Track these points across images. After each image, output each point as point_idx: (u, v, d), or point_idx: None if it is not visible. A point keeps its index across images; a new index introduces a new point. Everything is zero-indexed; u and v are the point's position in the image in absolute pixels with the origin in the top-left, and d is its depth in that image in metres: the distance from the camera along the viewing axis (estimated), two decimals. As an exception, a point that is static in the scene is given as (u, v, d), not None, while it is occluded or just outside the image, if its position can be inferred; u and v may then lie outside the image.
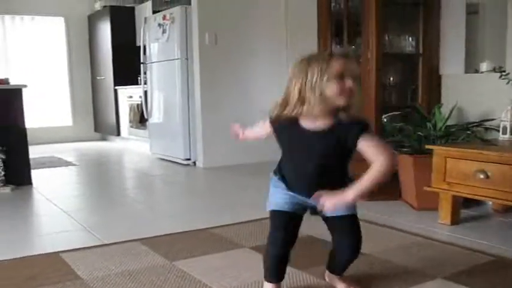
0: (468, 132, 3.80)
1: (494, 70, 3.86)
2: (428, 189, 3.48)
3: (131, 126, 8.17)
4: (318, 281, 2.43)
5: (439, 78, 4.32)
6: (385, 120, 4.23)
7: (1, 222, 3.80)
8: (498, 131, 3.67)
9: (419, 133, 3.82)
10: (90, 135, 9.74)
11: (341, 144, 1.99)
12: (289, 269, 2.56)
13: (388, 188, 3.93)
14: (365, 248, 2.79)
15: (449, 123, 3.85)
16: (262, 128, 2.25)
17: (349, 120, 1.96)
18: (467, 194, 3.28)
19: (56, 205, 4.22)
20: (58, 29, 9.51)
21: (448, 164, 3.35)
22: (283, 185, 2.13)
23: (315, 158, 2.03)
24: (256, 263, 2.68)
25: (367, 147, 1.95)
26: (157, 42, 6.79)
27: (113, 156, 7.71)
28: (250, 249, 2.94)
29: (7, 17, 9.05)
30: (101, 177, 5.94)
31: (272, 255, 2.17)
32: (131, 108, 8.08)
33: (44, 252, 2.95)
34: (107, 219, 3.89)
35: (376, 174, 1.92)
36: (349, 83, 1.90)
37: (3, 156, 4.81)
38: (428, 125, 3.85)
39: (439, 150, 3.42)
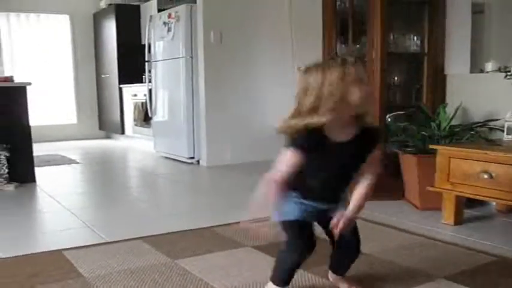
0: (472, 132, 3.78)
1: (499, 70, 3.84)
2: (431, 189, 3.47)
3: (136, 125, 8.18)
4: (322, 281, 2.42)
5: (444, 77, 4.30)
6: (389, 119, 4.22)
7: (5, 219, 3.81)
8: (503, 131, 3.65)
9: (423, 133, 3.81)
10: (95, 133, 9.75)
11: (362, 153, 2.00)
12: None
13: (391, 188, 3.93)
14: (367, 248, 2.79)
15: (453, 123, 3.83)
16: (293, 162, 2.00)
17: (369, 128, 1.97)
18: (471, 194, 3.27)
19: (59, 203, 4.23)
20: (63, 27, 9.51)
21: (452, 164, 3.34)
22: (294, 194, 2.10)
23: (342, 167, 2.03)
24: (258, 263, 2.68)
25: (373, 156, 1.97)
26: (162, 40, 6.79)
27: (116, 155, 7.71)
28: (253, 248, 2.93)
29: (12, 15, 9.06)
30: (104, 175, 5.94)
31: (293, 263, 2.16)
32: (136, 106, 8.09)
33: (46, 250, 2.95)
34: (110, 217, 3.89)
35: (370, 189, 2.00)
36: (367, 88, 1.90)
37: (7, 154, 4.81)
38: (433, 124, 3.84)
39: (443, 150, 3.41)
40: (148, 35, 7.13)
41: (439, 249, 2.90)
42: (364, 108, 1.92)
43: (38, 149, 6.21)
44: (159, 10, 7.38)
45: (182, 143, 6.40)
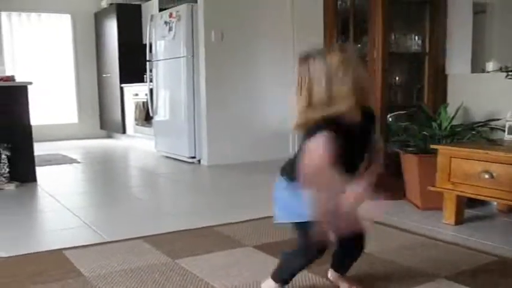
0: (473, 132, 3.78)
1: (500, 70, 3.83)
2: (432, 189, 3.46)
3: (137, 124, 8.18)
4: (322, 281, 2.42)
5: (445, 77, 4.30)
6: (390, 119, 4.22)
7: (5, 218, 3.81)
8: (504, 131, 3.64)
9: (424, 133, 3.81)
10: (96, 132, 9.75)
11: (369, 134, 2.02)
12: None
13: (392, 188, 3.92)
14: (368, 247, 2.78)
15: (454, 122, 3.83)
16: (330, 147, 1.83)
17: (367, 109, 1.97)
18: (472, 194, 3.26)
19: (60, 202, 4.22)
20: (64, 27, 9.51)
21: (453, 163, 3.33)
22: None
23: (359, 150, 2.02)
24: (258, 262, 2.68)
25: (379, 146, 1.99)
26: (163, 40, 6.79)
27: (117, 154, 7.71)
28: (254, 248, 2.93)
29: (14, 14, 9.06)
30: (105, 175, 5.94)
31: (300, 267, 2.18)
32: (137, 106, 8.09)
33: (47, 250, 2.95)
34: (111, 216, 3.89)
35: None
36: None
37: (8, 153, 4.81)
38: (434, 124, 3.83)
39: (444, 150, 3.40)
40: (149, 34, 7.13)
41: (440, 249, 2.90)
42: (370, 89, 1.92)
43: (39, 149, 6.21)
44: (160, 9, 7.38)
45: (183, 142, 6.40)
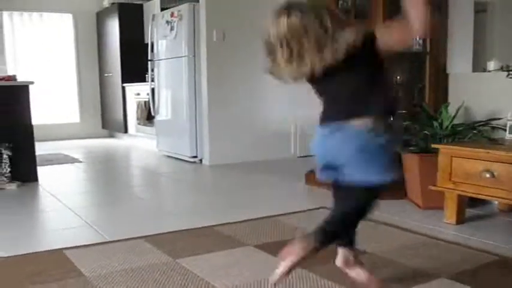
0: (475, 131, 3.77)
1: (501, 69, 3.83)
2: (433, 188, 3.46)
3: (138, 124, 8.18)
4: (320, 280, 2.42)
5: (446, 77, 4.29)
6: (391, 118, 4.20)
7: (7, 218, 3.81)
8: (505, 130, 3.64)
9: (425, 132, 3.81)
10: (98, 132, 9.76)
11: None
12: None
13: (393, 187, 3.91)
14: (369, 247, 2.79)
15: (456, 122, 3.82)
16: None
17: None
18: (473, 193, 3.26)
19: (61, 202, 4.23)
20: (66, 26, 9.51)
21: (454, 163, 3.33)
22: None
23: None
24: (259, 262, 2.68)
25: None
26: (165, 39, 6.79)
27: (119, 153, 7.72)
28: (254, 247, 2.93)
29: (15, 14, 9.06)
30: (107, 174, 5.94)
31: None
32: (139, 105, 8.09)
33: (48, 249, 2.96)
34: (112, 216, 3.90)
35: None
36: None
37: (9, 153, 4.82)
38: (435, 124, 3.83)
39: (445, 149, 3.40)
40: (151, 33, 7.13)
41: (441, 249, 2.90)
42: None
43: (41, 148, 6.22)
44: (162, 9, 7.38)
45: (185, 141, 6.41)
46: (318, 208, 3.78)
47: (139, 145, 8.23)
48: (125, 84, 8.64)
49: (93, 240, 3.13)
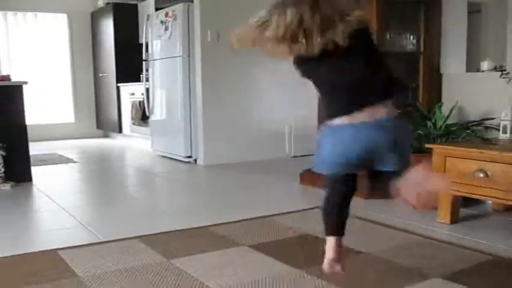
0: (468, 131, 3.79)
1: (495, 69, 3.84)
2: (428, 188, 3.46)
3: (133, 124, 8.17)
4: (314, 280, 2.42)
5: (440, 76, 4.31)
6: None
7: (0, 218, 3.80)
8: (498, 130, 3.65)
9: (419, 132, 3.81)
10: (92, 132, 9.74)
11: None
12: (285, 268, 2.56)
13: (387, 187, 3.91)
14: (364, 246, 2.80)
15: (449, 122, 3.84)
16: None
17: None
18: (467, 193, 3.27)
19: (56, 202, 4.22)
20: (61, 26, 9.49)
21: (448, 163, 3.33)
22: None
23: None
24: (253, 262, 2.68)
25: None
26: (159, 39, 6.79)
27: (114, 153, 7.71)
28: (249, 247, 2.93)
29: (10, 14, 9.04)
30: (101, 175, 5.93)
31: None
32: (133, 105, 8.08)
33: (42, 249, 2.95)
34: (106, 216, 3.89)
35: None
36: None
37: (3, 153, 4.80)
38: (429, 123, 3.84)
39: (438, 149, 3.40)
40: (145, 33, 7.12)
41: (435, 248, 2.90)
42: None
43: (35, 148, 6.21)
44: (157, 9, 7.37)
45: (179, 142, 6.40)
46: (313, 208, 3.78)
47: (134, 145, 8.22)
48: (119, 84, 8.63)
49: (87, 241, 3.13)
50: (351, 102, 1.97)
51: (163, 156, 6.85)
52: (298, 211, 3.75)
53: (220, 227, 3.36)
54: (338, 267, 2.16)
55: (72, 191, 4.93)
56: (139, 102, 7.76)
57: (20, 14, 9.11)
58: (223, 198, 4.41)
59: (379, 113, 1.94)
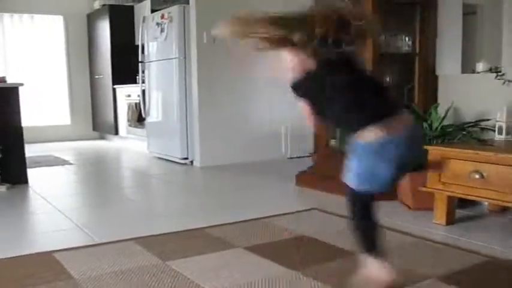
0: (464, 132, 3.79)
1: (490, 70, 3.85)
2: (423, 189, 3.47)
3: (129, 125, 8.17)
4: (310, 282, 2.42)
5: (435, 78, 4.31)
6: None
7: (-4, 221, 3.80)
8: (494, 131, 3.66)
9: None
10: (89, 134, 9.73)
11: None
12: (280, 269, 2.56)
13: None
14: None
15: (445, 123, 3.84)
16: None
17: None
18: (463, 194, 3.27)
19: (52, 204, 4.21)
20: (57, 28, 9.49)
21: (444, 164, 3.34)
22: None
23: None
24: (249, 264, 2.68)
25: None
26: (155, 41, 6.79)
27: (110, 155, 7.70)
28: (245, 249, 2.93)
29: (6, 16, 9.03)
30: (97, 176, 5.93)
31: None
32: (129, 107, 8.08)
33: (37, 252, 2.94)
34: (102, 218, 3.89)
35: None
36: None
37: (-1, 155, 4.81)
38: (425, 124, 3.84)
39: (434, 150, 3.41)
40: (141, 35, 7.12)
41: (430, 249, 2.90)
42: None
43: (31, 150, 6.20)
44: (153, 11, 7.37)
45: (175, 143, 6.40)
46: (309, 209, 3.79)
47: (130, 147, 8.22)
48: (115, 86, 8.62)
49: (83, 243, 3.12)
50: (380, 108, 1.98)
51: (159, 158, 6.85)
52: (294, 213, 3.75)
53: (216, 228, 3.36)
54: None
55: (68, 193, 4.92)
56: (136, 104, 7.75)
57: (16, 15, 9.11)
58: (219, 199, 4.41)
59: (405, 121, 1.97)
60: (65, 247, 3.00)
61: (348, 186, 2.07)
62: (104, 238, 3.19)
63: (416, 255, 2.80)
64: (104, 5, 8.87)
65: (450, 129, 3.82)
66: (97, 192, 4.99)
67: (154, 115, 7.01)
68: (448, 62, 4.23)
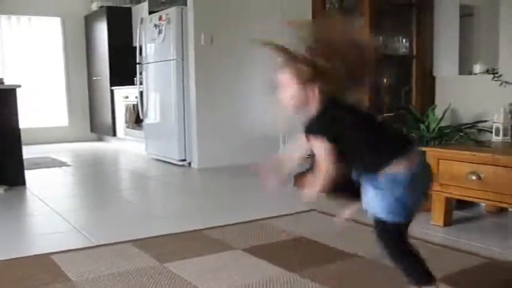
0: (461, 133, 3.80)
1: (487, 72, 3.86)
2: (421, 190, 3.47)
3: (127, 127, 8.16)
4: (308, 283, 2.42)
5: (432, 79, 4.32)
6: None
7: (-6, 223, 3.80)
8: (491, 132, 3.67)
9: (412, 134, 3.82)
10: (86, 135, 9.72)
11: None
12: (279, 271, 2.56)
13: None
14: (357, 249, 2.80)
15: (442, 124, 3.85)
16: None
17: None
18: (460, 195, 3.28)
19: (49, 206, 4.21)
20: (55, 30, 9.48)
21: (441, 165, 3.34)
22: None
23: None
24: (247, 266, 2.68)
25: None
26: (153, 42, 6.79)
27: (108, 157, 7.70)
28: (243, 251, 2.93)
29: (3, 17, 9.02)
30: (95, 178, 5.92)
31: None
32: (127, 108, 8.08)
33: (35, 254, 2.94)
34: (100, 220, 3.88)
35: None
36: None
37: (-4, 157, 4.80)
38: (422, 126, 3.85)
39: (432, 152, 3.41)
40: (139, 37, 7.12)
41: (428, 251, 2.89)
42: None
43: (29, 152, 6.19)
44: (150, 12, 7.36)
45: (173, 145, 6.40)
46: (307, 211, 3.79)
47: (128, 148, 8.21)
48: (113, 88, 8.62)
49: (81, 245, 3.12)
50: (402, 145, 1.99)
51: (157, 160, 6.85)
52: (292, 214, 3.75)
53: (214, 230, 3.36)
54: None
55: (66, 195, 4.92)
56: (133, 105, 7.75)
57: (13, 17, 9.10)
58: (217, 201, 4.41)
59: (417, 157, 1.99)
60: (63, 249, 3.00)
61: (378, 223, 2.06)
62: (101, 240, 3.19)
63: (413, 256, 2.80)
64: (101, 7, 8.88)
65: (447, 131, 3.82)
66: (95, 194, 4.99)
67: (152, 117, 7.01)
68: (445, 63, 4.24)
